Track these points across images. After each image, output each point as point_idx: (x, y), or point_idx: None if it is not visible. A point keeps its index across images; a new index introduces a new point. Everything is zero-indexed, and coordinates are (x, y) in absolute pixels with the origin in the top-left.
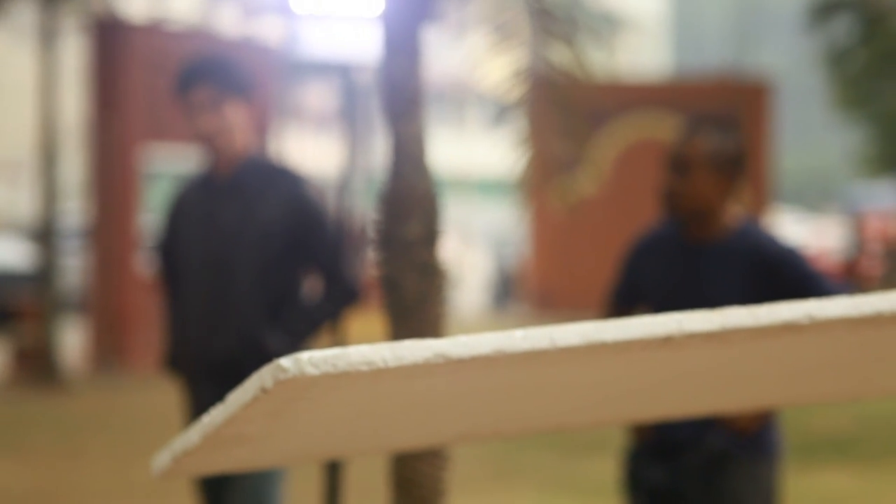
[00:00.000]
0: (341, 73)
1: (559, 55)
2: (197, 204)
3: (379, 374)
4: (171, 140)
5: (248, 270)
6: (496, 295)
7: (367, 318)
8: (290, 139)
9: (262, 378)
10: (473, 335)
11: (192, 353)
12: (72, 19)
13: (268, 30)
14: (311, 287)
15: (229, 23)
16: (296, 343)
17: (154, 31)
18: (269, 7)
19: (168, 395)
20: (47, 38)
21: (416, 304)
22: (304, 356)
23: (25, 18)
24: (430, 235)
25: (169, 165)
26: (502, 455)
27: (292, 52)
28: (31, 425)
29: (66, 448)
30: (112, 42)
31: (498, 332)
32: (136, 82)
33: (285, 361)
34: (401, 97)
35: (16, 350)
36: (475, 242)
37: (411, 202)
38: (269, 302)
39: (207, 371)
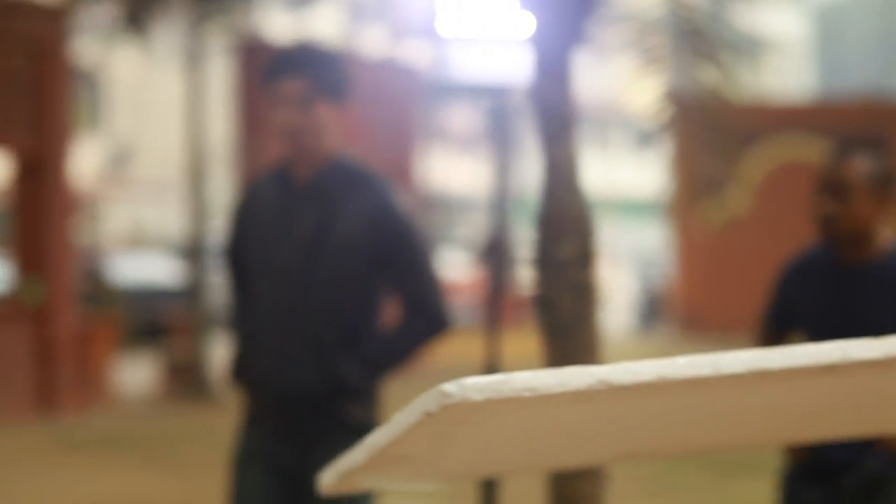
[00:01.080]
0: (488, 94)
1: (708, 75)
2: (271, 207)
3: (542, 400)
4: None
5: (326, 287)
6: (642, 316)
7: (521, 335)
8: (434, 160)
9: (426, 402)
10: (635, 361)
11: (259, 376)
12: (217, 40)
13: (414, 52)
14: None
15: (375, 44)
16: (374, 378)
17: None
18: (416, 30)
19: None
20: (194, 60)
21: (570, 324)
22: (469, 382)
23: (173, 40)
24: (584, 255)
25: None
26: (657, 473)
27: (438, 74)
28: (183, 438)
29: (217, 460)
30: (257, 63)
31: (660, 359)
32: None
33: (450, 386)
34: (553, 120)
35: (167, 364)
36: (621, 263)
37: (565, 223)
38: (346, 326)
39: (275, 398)
